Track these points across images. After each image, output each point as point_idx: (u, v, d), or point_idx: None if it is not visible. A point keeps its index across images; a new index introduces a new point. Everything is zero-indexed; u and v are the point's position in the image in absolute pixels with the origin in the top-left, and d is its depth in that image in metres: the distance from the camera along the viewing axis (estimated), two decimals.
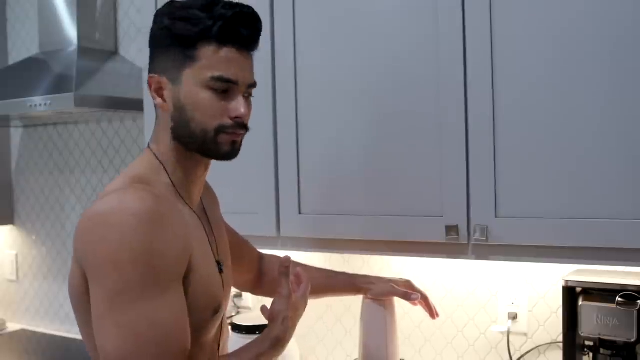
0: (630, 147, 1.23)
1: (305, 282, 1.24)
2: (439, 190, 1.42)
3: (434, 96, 1.42)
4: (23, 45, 2.74)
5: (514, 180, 1.34)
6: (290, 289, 1.19)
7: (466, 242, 1.40)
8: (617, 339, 1.33)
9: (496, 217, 1.36)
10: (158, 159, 1.12)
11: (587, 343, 1.39)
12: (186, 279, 1.05)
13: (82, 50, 2.28)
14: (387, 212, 1.48)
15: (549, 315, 1.62)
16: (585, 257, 1.29)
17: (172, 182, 1.12)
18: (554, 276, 1.60)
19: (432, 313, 1.54)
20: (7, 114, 2.24)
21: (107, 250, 0.96)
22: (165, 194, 1.08)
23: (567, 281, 1.39)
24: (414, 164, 1.45)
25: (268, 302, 1.20)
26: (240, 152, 1.15)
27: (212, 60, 1.07)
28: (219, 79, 1.07)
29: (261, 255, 1.56)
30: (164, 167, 1.12)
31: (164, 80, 1.10)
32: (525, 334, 1.66)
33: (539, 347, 1.64)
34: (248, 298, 2.08)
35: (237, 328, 1.77)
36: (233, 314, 2.02)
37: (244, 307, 2.10)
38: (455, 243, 1.41)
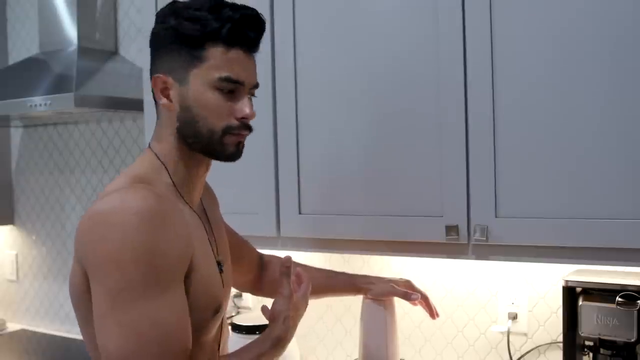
0: (630, 147, 1.23)
1: (306, 282, 1.25)
2: (439, 190, 1.42)
3: (434, 96, 1.42)
4: (23, 45, 2.74)
5: (514, 180, 1.34)
6: (291, 289, 1.19)
7: (466, 242, 1.40)
8: (617, 339, 1.33)
9: (496, 217, 1.36)
10: (159, 159, 1.13)
11: (587, 343, 1.39)
12: (187, 279, 1.05)
13: (82, 50, 2.28)
14: (387, 212, 1.48)
15: (549, 315, 1.62)
16: (585, 257, 1.29)
17: (173, 182, 1.12)
18: (554, 276, 1.60)
19: (432, 313, 1.54)
20: (7, 114, 2.24)
21: (109, 249, 0.97)
22: (166, 193, 1.09)
23: (567, 281, 1.39)
24: (414, 164, 1.45)
25: (268, 302, 1.20)
26: None
27: (220, 61, 1.08)
28: (227, 80, 1.08)
29: (261, 256, 1.56)
30: (165, 167, 1.12)
31: (170, 80, 1.10)
32: (525, 334, 1.66)
33: (539, 347, 1.64)
34: (248, 298, 2.08)
35: (237, 328, 1.77)
36: (233, 314, 2.02)
37: (244, 307, 2.10)
38: (455, 243, 1.41)
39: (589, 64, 1.26)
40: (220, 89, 1.09)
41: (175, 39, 1.09)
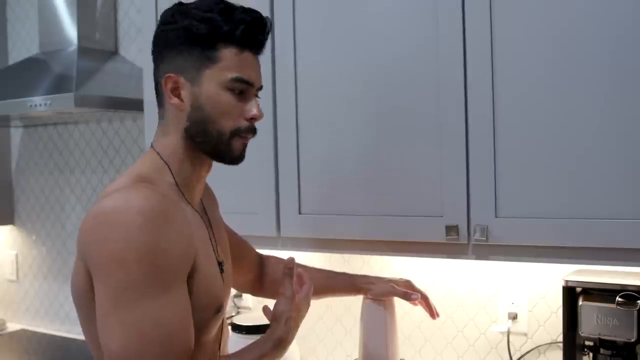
0: (630, 147, 1.23)
1: (308, 283, 1.25)
2: (439, 190, 1.42)
3: (434, 97, 1.42)
4: (23, 45, 2.74)
5: (514, 180, 1.34)
6: (293, 289, 1.20)
7: (466, 242, 1.40)
8: (617, 339, 1.33)
9: (496, 217, 1.36)
10: (162, 158, 1.13)
11: (587, 343, 1.39)
12: (190, 279, 1.05)
13: (82, 50, 2.28)
14: (387, 212, 1.49)
15: (549, 315, 1.62)
16: (585, 257, 1.29)
17: (175, 181, 1.13)
18: (554, 276, 1.60)
19: (432, 313, 1.54)
20: (7, 114, 2.24)
21: (112, 248, 0.97)
22: (169, 193, 1.09)
23: (567, 281, 1.39)
24: (414, 164, 1.45)
25: (268, 302, 1.20)
26: None
27: (233, 62, 1.10)
28: (239, 80, 1.10)
29: (260, 256, 1.56)
30: (169, 167, 1.13)
31: (182, 80, 1.11)
32: (525, 334, 1.66)
33: (539, 347, 1.64)
34: (248, 298, 2.08)
35: (237, 328, 1.77)
36: (233, 314, 2.02)
37: (244, 307, 2.10)
38: (455, 243, 1.41)
39: (589, 64, 1.26)
40: (231, 90, 1.10)
41: (185, 40, 1.09)
